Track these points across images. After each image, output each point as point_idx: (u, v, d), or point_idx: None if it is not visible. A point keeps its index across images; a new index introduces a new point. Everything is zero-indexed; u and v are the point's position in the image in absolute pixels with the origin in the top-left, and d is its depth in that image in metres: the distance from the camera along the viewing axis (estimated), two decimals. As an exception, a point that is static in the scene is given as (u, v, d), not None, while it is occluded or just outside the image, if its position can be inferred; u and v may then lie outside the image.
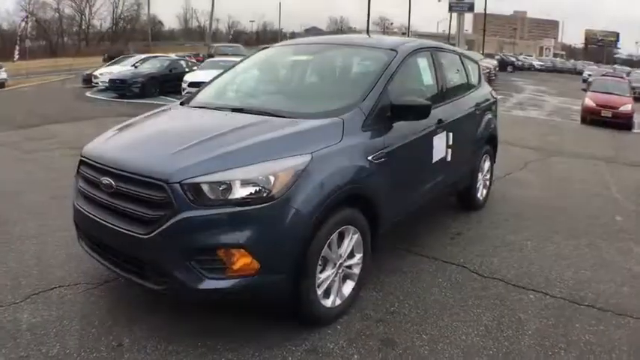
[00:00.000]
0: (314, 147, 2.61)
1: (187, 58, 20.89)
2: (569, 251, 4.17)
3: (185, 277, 2.40)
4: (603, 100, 13.69)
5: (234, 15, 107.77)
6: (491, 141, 5.24)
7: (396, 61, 3.39)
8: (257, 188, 2.38)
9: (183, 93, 14.68)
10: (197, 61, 21.58)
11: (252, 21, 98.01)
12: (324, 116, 2.91)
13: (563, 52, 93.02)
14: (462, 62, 4.75)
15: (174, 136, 2.91)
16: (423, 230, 4.36)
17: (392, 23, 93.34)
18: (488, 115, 5.14)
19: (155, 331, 2.72)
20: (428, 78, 3.91)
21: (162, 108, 3.74)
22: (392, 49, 3.55)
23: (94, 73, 18.00)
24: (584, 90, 22.96)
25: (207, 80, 14.53)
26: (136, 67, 17.84)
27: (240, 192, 2.37)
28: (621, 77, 22.55)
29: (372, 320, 2.90)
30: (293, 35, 79.41)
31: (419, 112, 3.14)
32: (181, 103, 3.76)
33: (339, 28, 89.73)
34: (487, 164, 5.26)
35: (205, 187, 2.37)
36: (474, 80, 4.97)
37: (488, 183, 5.37)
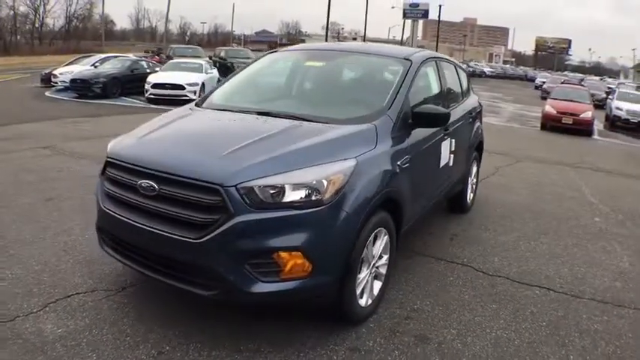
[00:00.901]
0: (356, 152, 2.75)
1: (148, 59, 20.51)
2: (560, 250, 4.54)
3: (239, 281, 2.43)
4: (564, 107, 14.56)
5: (186, 16, 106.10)
6: (479, 147, 5.60)
7: (412, 70, 3.60)
8: (311, 191, 2.47)
9: (146, 94, 14.54)
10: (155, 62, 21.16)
11: (204, 23, 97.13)
12: (356, 122, 3.06)
13: (513, 59, 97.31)
14: (457, 71, 5.06)
15: (215, 139, 2.93)
16: (421, 233, 4.60)
17: (343, 28, 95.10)
18: (477, 122, 5.50)
19: (192, 337, 2.74)
20: (435, 86, 4.17)
21: (180, 109, 3.73)
22: (406, 59, 3.76)
23: (54, 73, 17.35)
24: (544, 98, 24.34)
25: (172, 82, 14.45)
26: (95, 66, 17.41)
27: (293, 195, 2.44)
28: (581, 85, 23.93)
29: (399, 318, 3.09)
30: (243, 37, 79.04)
31: (439, 119, 3.37)
32: (197, 105, 3.78)
33: (290, 31, 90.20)
34: (474, 169, 5.60)
35: (260, 191, 2.42)
36: (465, 88, 5.30)
37: (474, 187, 5.72)
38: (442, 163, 4.06)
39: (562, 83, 23.93)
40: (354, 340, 2.79)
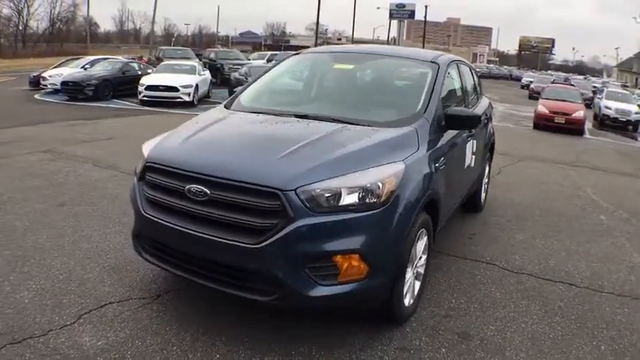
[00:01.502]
0: (403, 155, 2.86)
1: (138, 61, 20.41)
2: (574, 247, 4.75)
3: (299, 286, 2.47)
4: (556, 107, 14.94)
5: (170, 18, 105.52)
6: (491, 148, 5.79)
7: (440, 73, 3.73)
8: (367, 194, 2.53)
9: (140, 96, 14.45)
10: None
11: (188, 24, 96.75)
12: (396, 125, 3.17)
13: (497, 59, 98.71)
14: (472, 73, 5.23)
15: (264, 142, 2.95)
16: (441, 232, 4.73)
17: (327, 29, 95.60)
18: (490, 124, 5.68)
19: (240, 343, 2.76)
20: (458, 88, 4.32)
21: (212, 112, 3.73)
22: (433, 62, 3.89)
23: (43, 75, 17.15)
24: (532, 97, 24.69)
25: (165, 84, 14.33)
26: (85, 69, 17.25)
27: (350, 198, 2.50)
28: (572, 84, 24.39)
29: (439, 316, 3.22)
30: (230, 39, 78.66)
31: (471, 122, 3.52)
32: (226, 107, 3.77)
33: (274, 32, 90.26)
34: (487, 170, 5.78)
35: (319, 195, 2.47)
36: (479, 90, 5.48)
37: (486, 187, 5.90)
38: (467, 163, 4.22)
39: (552, 83, 24.42)
40: (401, 340, 2.91)
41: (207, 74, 17.18)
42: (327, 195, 2.48)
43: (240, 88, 4.21)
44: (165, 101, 14.22)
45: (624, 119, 17.20)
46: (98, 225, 4.48)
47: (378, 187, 2.57)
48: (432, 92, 3.50)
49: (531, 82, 33.81)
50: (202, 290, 3.27)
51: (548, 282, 3.89)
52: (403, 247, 2.76)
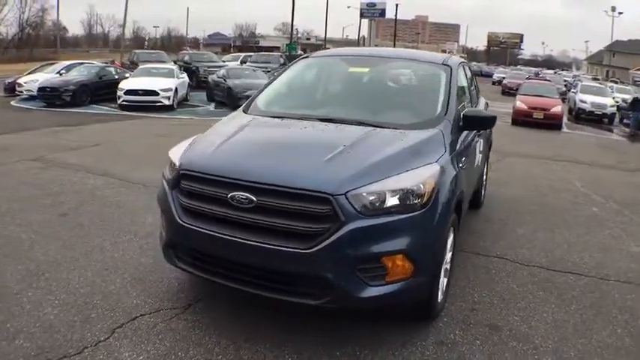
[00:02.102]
0: (436, 156, 3.00)
1: (114, 65, 20.21)
2: (574, 239, 5.02)
3: (350, 288, 2.56)
4: (534, 103, 15.47)
5: (138, 20, 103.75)
6: (490, 146, 6.03)
7: (453, 75, 3.90)
8: (411, 196, 2.65)
9: (119, 101, 14.32)
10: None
11: (157, 27, 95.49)
12: (422, 127, 3.31)
13: (465, 55, 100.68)
14: (471, 73, 5.44)
15: (302, 148, 3.03)
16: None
17: (297, 29, 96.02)
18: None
19: (284, 347, 2.82)
20: (466, 89, 4.51)
21: (234, 117, 3.76)
22: (445, 64, 4.06)
23: (18, 82, 16.74)
24: (505, 93, 25.37)
25: (145, 88, 14.32)
26: (61, 74, 16.97)
27: (395, 200, 2.62)
28: (548, 80, 25.10)
29: (467, 310, 3.39)
30: (202, 41, 77.99)
31: (488, 122, 3.69)
32: (244, 112, 3.82)
33: (243, 33, 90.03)
34: (485, 167, 6.02)
35: (366, 198, 2.57)
36: (478, 89, 5.70)
37: (485, 184, 6.14)
38: (476, 162, 4.41)
39: (527, 79, 25.14)
40: (437, 335, 3.06)
41: (185, 77, 17.14)
42: (373, 198, 2.59)
43: (255, 92, 4.28)
44: (145, 105, 14.09)
45: (600, 112, 17.93)
46: (107, 235, 4.48)
47: (420, 189, 2.69)
48: (449, 94, 3.66)
49: (503, 78, 34.60)
50: (233, 297, 3.35)
51: (558, 273, 4.13)
52: (441, 246, 2.91)
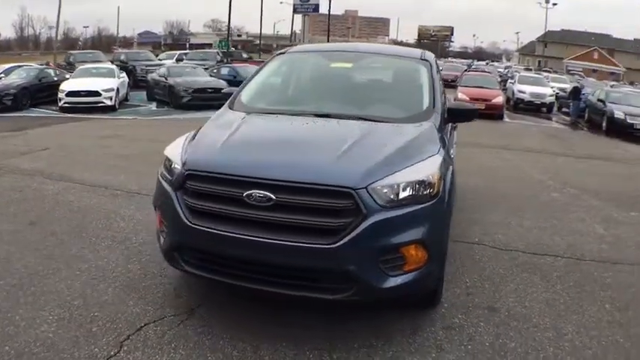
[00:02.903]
0: (435, 148, 3.13)
1: (50, 67, 19.60)
2: (543, 224, 5.38)
3: (373, 280, 2.65)
4: (476, 94, 16.21)
5: (69, 21, 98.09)
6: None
7: (433, 70, 4.10)
8: (424, 187, 2.77)
9: (60, 103, 13.94)
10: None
11: (87, 27, 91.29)
12: (415, 120, 3.45)
13: None
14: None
15: (312, 143, 3.08)
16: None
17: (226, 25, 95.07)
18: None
19: (302, 345, 2.85)
20: (440, 83, 4.71)
21: (225, 114, 3.72)
22: (423, 59, 4.25)
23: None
24: (446, 86, 26.10)
25: (87, 89, 14.02)
26: (0, 78, 16.19)
27: (410, 191, 2.73)
28: (488, 71, 26.24)
29: (463, 295, 3.58)
30: (125, 39, 75.41)
31: (471, 114, 3.90)
32: (231, 108, 3.81)
33: (173, 31, 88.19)
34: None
35: (386, 190, 2.67)
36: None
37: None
38: (453, 153, 4.63)
39: (466, 71, 26.27)
40: (443, 320, 3.22)
41: (125, 77, 16.83)
42: (391, 190, 2.70)
43: (236, 89, 4.20)
44: (87, 107, 13.61)
45: (539, 102, 19.09)
46: (84, 242, 4.32)
47: (431, 180, 2.83)
48: (434, 88, 3.84)
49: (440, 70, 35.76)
50: (233, 298, 3.35)
51: (536, 255, 4.43)
52: (447, 234, 3.07)
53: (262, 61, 23.06)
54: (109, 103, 14.10)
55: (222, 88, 15.71)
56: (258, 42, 60.00)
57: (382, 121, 3.40)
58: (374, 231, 2.61)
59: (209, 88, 15.64)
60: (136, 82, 19.60)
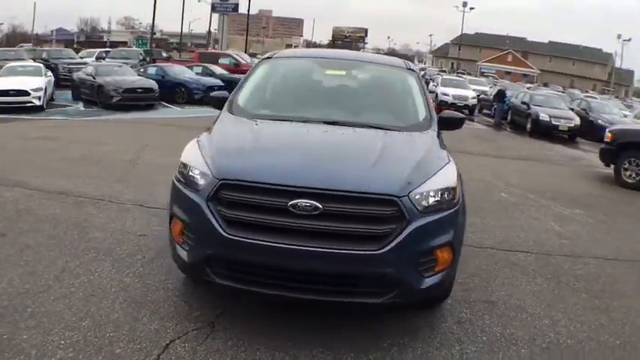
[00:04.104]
0: (445, 155, 3.37)
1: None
2: (506, 222, 5.89)
3: (412, 282, 2.83)
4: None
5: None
6: None
7: (421, 80, 4.36)
8: (451, 193, 2.99)
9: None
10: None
11: (1, 23, 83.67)
12: (419, 129, 3.66)
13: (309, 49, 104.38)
14: None
15: (342, 152, 3.21)
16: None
17: (140, 23, 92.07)
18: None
19: (339, 348, 2.95)
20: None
21: (233, 121, 3.69)
22: (409, 69, 4.49)
23: None
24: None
25: (16, 88, 13.21)
26: None
27: (440, 197, 2.92)
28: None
29: (460, 291, 3.82)
30: (37, 37, 70.50)
31: (459, 122, 4.15)
32: (232, 113, 3.79)
33: (85, 28, 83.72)
34: None
35: (422, 197, 2.85)
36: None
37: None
38: None
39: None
40: (452, 315, 3.48)
41: (51, 75, 15.79)
42: (425, 197, 2.89)
43: (230, 95, 4.17)
44: (14, 107, 12.61)
45: (462, 104, 20.31)
46: (65, 255, 4.09)
47: (454, 186, 3.07)
48: (426, 97, 4.10)
49: None
50: (251, 307, 3.35)
51: (509, 252, 4.85)
52: (463, 236, 3.32)
53: (185, 61, 22.53)
54: (37, 103, 13.17)
55: (153, 88, 15.78)
56: (172, 41, 58.45)
57: (391, 129, 3.57)
58: (415, 236, 2.78)
59: (139, 87, 15.35)
60: (58, 80, 18.49)
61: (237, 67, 24.82)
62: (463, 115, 4.35)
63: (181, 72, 18.71)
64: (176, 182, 3.18)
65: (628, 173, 8.79)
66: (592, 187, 8.76)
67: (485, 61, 72.13)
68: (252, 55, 37.35)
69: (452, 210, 3.00)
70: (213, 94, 4.53)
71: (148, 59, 27.62)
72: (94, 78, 15.49)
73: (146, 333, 3.04)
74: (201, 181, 2.98)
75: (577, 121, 16.08)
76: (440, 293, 3.22)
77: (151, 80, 16.27)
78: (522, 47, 74.67)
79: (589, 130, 16.39)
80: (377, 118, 3.81)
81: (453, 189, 3.05)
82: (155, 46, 37.54)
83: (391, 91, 4.42)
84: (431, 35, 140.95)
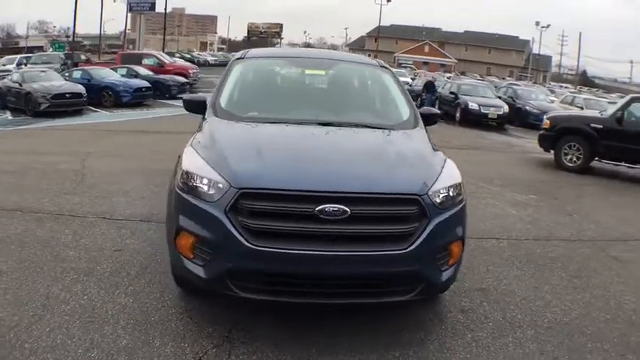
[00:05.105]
0: (440, 152, 3.51)
1: None
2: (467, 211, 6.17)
3: (433, 276, 2.98)
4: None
5: None
6: None
7: (396, 76, 4.50)
8: (458, 189, 3.17)
9: None
10: None
11: None
12: (407, 127, 3.78)
13: (224, 46, 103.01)
14: None
15: (357, 154, 3.26)
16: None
17: (55, 26, 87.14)
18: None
19: (362, 350, 3.03)
20: None
21: (224, 125, 3.58)
22: (382, 67, 4.62)
23: None
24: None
25: None
26: None
27: (451, 194, 3.08)
28: None
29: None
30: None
31: (435, 118, 4.33)
32: (218, 116, 3.71)
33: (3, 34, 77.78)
34: None
35: (438, 195, 2.99)
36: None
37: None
38: None
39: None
40: (455, 305, 3.68)
41: None
42: (439, 194, 3.03)
43: (210, 97, 4.07)
44: None
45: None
46: (45, 279, 3.81)
47: (459, 182, 3.25)
48: (406, 94, 4.26)
49: None
50: (258, 315, 3.33)
51: (483, 240, 5.18)
52: None
53: (107, 63, 22.05)
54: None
55: (81, 93, 15.18)
56: (85, 43, 56.06)
57: (385, 128, 3.69)
58: (435, 232, 2.93)
59: (67, 93, 15.02)
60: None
61: (161, 68, 24.20)
62: (438, 111, 4.55)
63: (107, 75, 18.43)
64: (181, 193, 3.04)
65: (568, 157, 9.57)
66: (536, 173, 9.45)
67: (403, 53, 74.52)
68: (171, 55, 36.41)
69: (461, 205, 3.18)
70: (189, 97, 4.39)
71: (68, 63, 27.22)
72: (20, 85, 15.16)
73: (165, 357, 2.93)
74: (212, 191, 2.89)
75: (506, 108, 17.11)
76: (451, 285, 3.39)
77: (78, 85, 15.99)
78: (439, 38, 78.01)
79: (517, 116, 17.52)
80: (367, 117, 3.92)
81: (460, 185, 3.24)
82: (71, 49, 36.07)
83: (372, 89, 4.54)
84: (346, 28, 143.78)
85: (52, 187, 6.30)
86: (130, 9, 43.31)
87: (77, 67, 22.36)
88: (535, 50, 69.20)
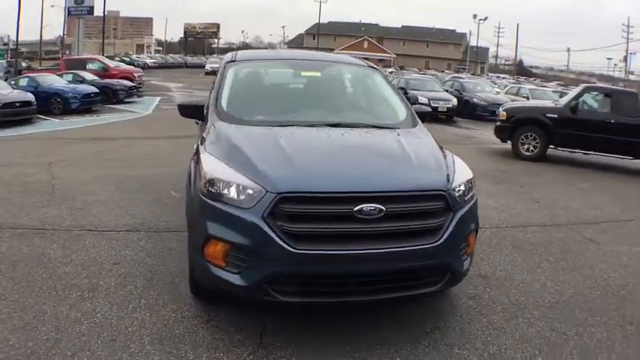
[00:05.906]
0: (442, 149, 3.68)
1: None
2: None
3: (458, 266, 3.18)
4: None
5: None
6: None
7: (386, 76, 4.69)
8: (472, 184, 3.37)
9: None
10: None
11: None
12: (409, 125, 3.94)
13: (160, 48, 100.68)
14: None
15: (376, 153, 3.38)
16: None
17: None
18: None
19: (385, 342, 3.15)
20: None
21: (238, 130, 3.52)
22: (371, 67, 4.78)
23: None
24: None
25: None
26: None
27: (465, 188, 3.25)
28: None
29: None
30: None
31: (427, 115, 4.54)
32: (224, 120, 3.66)
33: None
34: None
35: (459, 189, 3.17)
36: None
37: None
38: None
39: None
40: (462, 291, 3.88)
41: None
42: (459, 189, 3.22)
43: (208, 101, 4.05)
44: None
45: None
46: (46, 298, 3.65)
47: (472, 176, 3.45)
48: (399, 93, 4.43)
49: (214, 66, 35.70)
50: (285, 315, 3.38)
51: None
52: None
53: (51, 69, 21.07)
54: None
55: (31, 101, 14.45)
56: (23, 50, 53.41)
57: (392, 127, 3.83)
58: (459, 225, 3.12)
59: (17, 101, 14.14)
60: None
61: (106, 72, 23.46)
62: (429, 109, 4.76)
63: (54, 81, 17.72)
64: (209, 200, 2.99)
65: (525, 147, 10.12)
66: (497, 163, 9.93)
67: (342, 49, 75.29)
68: (111, 58, 35.26)
69: (475, 199, 3.42)
70: (185, 102, 4.34)
71: (12, 71, 26.69)
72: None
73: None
74: (243, 197, 2.88)
75: (454, 101, 17.79)
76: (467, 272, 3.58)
77: (28, 93, 15.17)
78: (377, 33, 79.29)
79: (465, 109, 18.21)
80: (371, 117, 4.05)
81: (473, 179, 3.45)
82: (12, 57, 34.56)
83: (369, 90, 4.65)
84: (284, 27, 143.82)
85: (25, 201, 6.01)
86: (69, 13, 41.62)
87: (21, 74, 21.65)
88: (473, 43, 71.84)
